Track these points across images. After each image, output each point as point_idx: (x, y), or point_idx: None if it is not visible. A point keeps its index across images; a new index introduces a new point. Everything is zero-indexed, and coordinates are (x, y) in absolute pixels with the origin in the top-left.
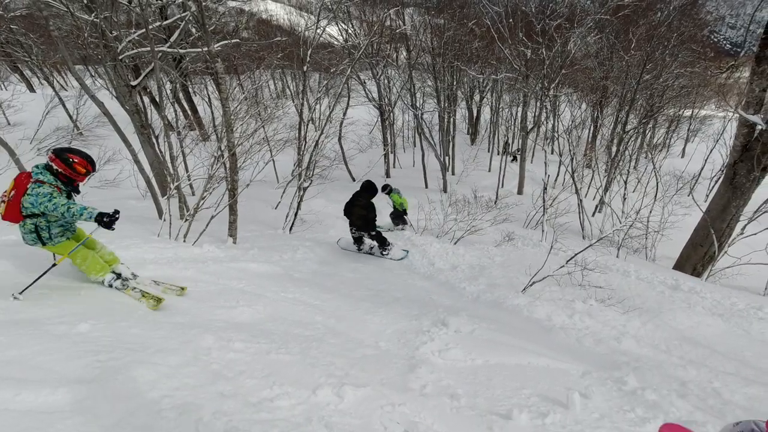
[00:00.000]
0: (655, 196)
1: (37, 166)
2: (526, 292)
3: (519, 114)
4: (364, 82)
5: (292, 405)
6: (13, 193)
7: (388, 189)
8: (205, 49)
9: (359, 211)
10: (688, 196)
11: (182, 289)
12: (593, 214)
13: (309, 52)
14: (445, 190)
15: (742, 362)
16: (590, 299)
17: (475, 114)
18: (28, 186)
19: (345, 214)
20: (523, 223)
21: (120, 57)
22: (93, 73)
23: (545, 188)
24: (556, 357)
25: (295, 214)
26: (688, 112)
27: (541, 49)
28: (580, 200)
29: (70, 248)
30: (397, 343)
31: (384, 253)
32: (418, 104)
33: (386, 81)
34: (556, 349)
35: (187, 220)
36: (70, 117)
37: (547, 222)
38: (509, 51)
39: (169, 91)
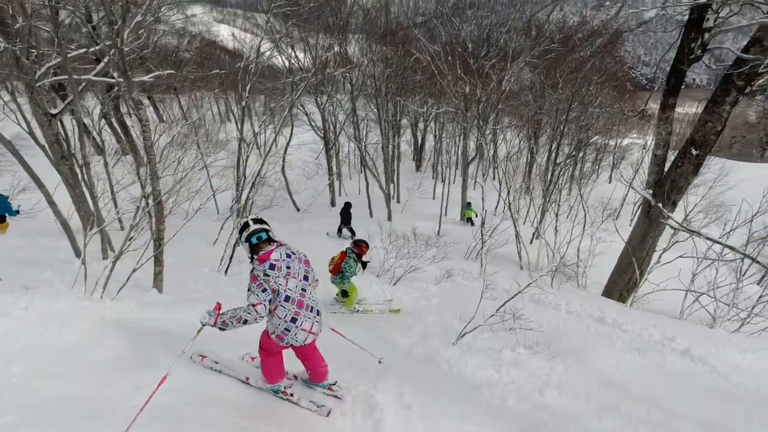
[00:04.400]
0: (584, 227)
1: None
2: (457, 344)
3: (461, 144)
4: (308, 114)
5: None
6: None
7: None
8: (129, 96)
9: None
10: (615, 220)
11: None
12: (531, 241)
13: (248, 87)
14: (389, 218)
15: (653, 403)
16: (519, 346)
17: (420, 141)
18: None
19: None
20: (464, 255)
21: (38, 84)
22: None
23: (483, 223)
24: (480, 421)
25: (231, 257)
26: (613, 141)
27: (478, 88)
28: (517, 231)
29: None
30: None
31: None
32: (361, 135)
33: (331, 110)
34: (482, 409)
35: (111, 261)
36: None
37: (485, 255)
38: (448, 87)
39: (97, 115)
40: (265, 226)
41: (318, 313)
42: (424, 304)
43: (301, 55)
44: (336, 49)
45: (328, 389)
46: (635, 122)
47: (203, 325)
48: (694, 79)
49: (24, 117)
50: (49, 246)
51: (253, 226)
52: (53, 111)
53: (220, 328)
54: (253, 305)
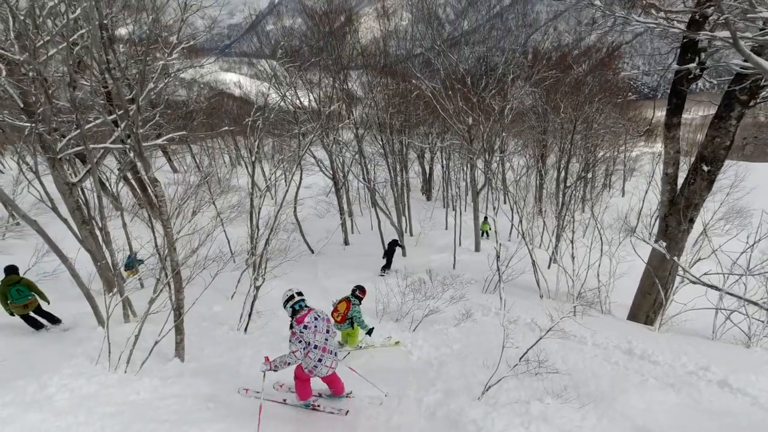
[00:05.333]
0: (601, 250)
1: None
2: (482, 399)
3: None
4: (317, 159)
5: None
6: None
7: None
8: (146, 173)
9: None
10: (631, 238)
11: None
12: (548, 266)
13: (257, 142)
14: (404, 254)
15: None
16: (546, 396)
17: (428, 171)
18: None
19: None
20: (482, 288)
21: (59, 156)
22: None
23: (498, 255)
24: None
25: (249, 314)
26: (621, 155)
27: (480, 121)
28: (533, 260)
29: None
30: None
31: None
32: (370, 175)
33: (338, 150)
34: None
35: (134, 332)
36: (5, 205)
37: (503, 289)
38: (450, 119)
39: (115, 178)
40: (303, 297)
41: (336, 354)
42: (445, 353)
43: (305, 101)
44: (336, 105)
45: (347, 397)
46: (642, 134)
47: (264, 372)
48: (697, 84)
49: (45, 190)
50: (72, 311)
51: (297, 298)
52: (73, 180)
53: (273, 370)
54: (293, 352)
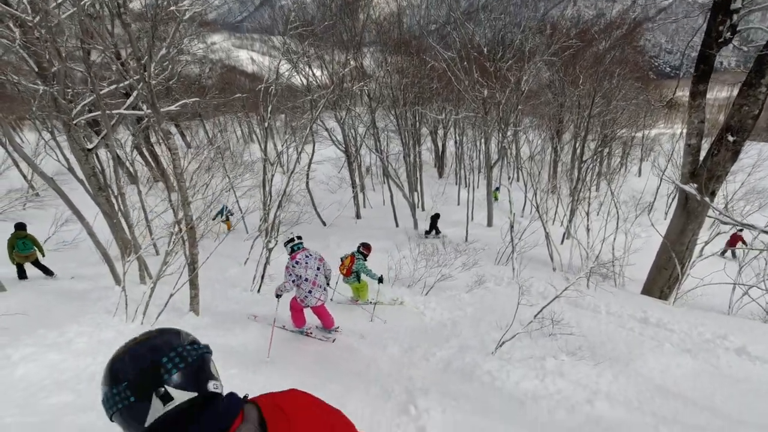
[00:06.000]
0: (617, 224)
1: None
2: (496, 354)
3: (483, 148)
4: (329, 130)
5: None
6: None
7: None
8: (158, 126)
9: None
10: (649, 215)
11: None
12: (561, 242)
13: (270, 108)
14: (416, 227)
15: (712, 411)
16: (561, 353)
17: (440, 148)
18: None
19: None
20: (494, 260)
21: (74, 121)
22: (48, 129)
23: (512, 226)
24: None
25: (262, 276)
26: (639, 134)
27: (496, 91)
28: (547, 233)
29: None
30: None
31: None
32: (382, 147)
33: (350, 123)
34: (529, 427)
35: (150, 285)
36: (24, 177)
37: (516, 259)
38: (466, 91)
39: (129, 147)
40: (301, 240)
41: (324, 289)
42: (458, 315)
43: (318, 72)
44: (352, 64)
45: (336, 331)
46: (661, 113)
47: (277, 296)
48: (721, 62)
49: (63, 154)
50: (91, 274)
51: (296, 241)
52: (89, 146)
53: (276, 296)
54: (284, 282)
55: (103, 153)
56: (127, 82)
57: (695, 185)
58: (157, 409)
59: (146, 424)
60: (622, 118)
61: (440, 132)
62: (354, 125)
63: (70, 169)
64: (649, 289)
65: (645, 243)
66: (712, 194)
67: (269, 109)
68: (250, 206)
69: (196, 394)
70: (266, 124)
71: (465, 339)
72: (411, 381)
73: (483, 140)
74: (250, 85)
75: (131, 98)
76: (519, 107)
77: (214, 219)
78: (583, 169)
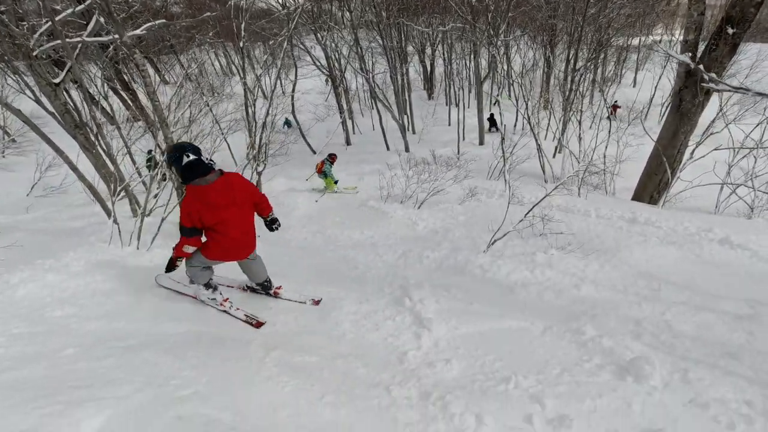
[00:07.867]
0: (609, 132)
1: None
2: (488, 252)
3: (472, 64)
4: (311, 48)
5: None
6: None
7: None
8: (119, 40)
9: None
10: (643, 121)
11: None
12: (554, 156)
13: (243, 26)
14: (407, 149)
15: (693, 290)
16: (551, 249)
17: (429, 68)
18: None
19: None
20: (486, 175)
21: (34, 53)
22: (13, 71)
23: (503, 139)
24: (519, 317)
25: None
26: (635, 41)
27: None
28: (539, 145)
29: None
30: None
31: None
32: (368, 67)
33: (333, 45)
34: (519, 307)
35: (140, 214)
36: None
37: (508, 172)
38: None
39: (100, 83)
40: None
41: None
42: (451, 223)
43: None
44: None
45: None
46: (660, 16)
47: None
48: None
49: (32, 91)
50: (83, 214)
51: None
52: (56, 80)
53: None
54: None
55: (76, 94)
56: (85, 4)
57: (690, 54)
58: (185, 159)
59: (183, 164)
60: (619, 19)
61: (428, 51)
62: (337, 46)
63: (38, 101)
64: (639, 195)
65: (636, 152)
66: (707, 94)
67: (242, 26)
68: (234, 137)
69: (197, 157)
70: (241, 44)
71: (457, 241)
72: (405, 279)
73: (472, 55)
74: (221, 8)
75: (93, 22)
76: (510, 14)
77: None
78: (577, 79)
